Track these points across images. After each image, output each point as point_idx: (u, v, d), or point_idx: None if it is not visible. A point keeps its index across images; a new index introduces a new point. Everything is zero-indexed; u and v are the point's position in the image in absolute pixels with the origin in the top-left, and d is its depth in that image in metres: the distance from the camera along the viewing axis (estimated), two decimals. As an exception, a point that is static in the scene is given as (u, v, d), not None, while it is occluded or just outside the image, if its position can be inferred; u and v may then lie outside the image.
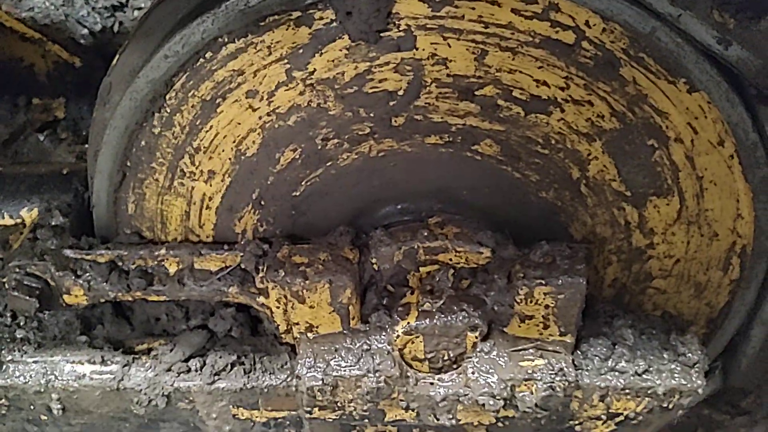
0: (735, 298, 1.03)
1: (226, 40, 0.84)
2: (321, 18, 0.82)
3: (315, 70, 0.86)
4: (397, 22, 0.83)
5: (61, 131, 1.39)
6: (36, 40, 1.44)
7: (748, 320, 1.05)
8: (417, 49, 0.84)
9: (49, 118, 1.42)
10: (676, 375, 0.94)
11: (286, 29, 0.83)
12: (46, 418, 1.03)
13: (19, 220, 1.08)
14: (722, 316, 1.05)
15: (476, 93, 0.87)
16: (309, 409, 0.95)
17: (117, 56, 0.99)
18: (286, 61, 0.85)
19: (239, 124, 0.91)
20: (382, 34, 0.83)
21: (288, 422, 1.02)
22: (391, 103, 0.89)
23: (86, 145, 1.28)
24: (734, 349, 1.09)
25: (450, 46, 0.84)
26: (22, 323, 1.03)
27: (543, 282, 0.89)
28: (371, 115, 0.90)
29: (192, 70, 0.86)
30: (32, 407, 1.01)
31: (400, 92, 0.88)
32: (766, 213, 0.94)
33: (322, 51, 0.84)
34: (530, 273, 0.89)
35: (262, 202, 0.98)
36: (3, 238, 1.07)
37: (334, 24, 0.82)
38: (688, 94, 0.85)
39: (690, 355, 0.95)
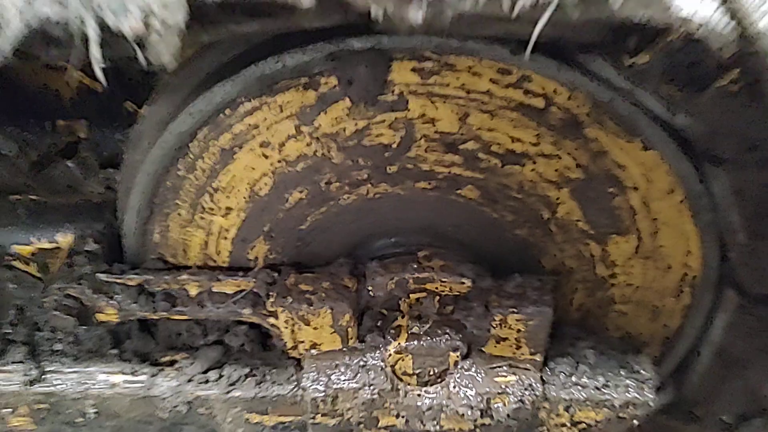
0: (687, 322, 1.17)
1: (243, 100, 0.98)
2: (326, 83, 0.95)
3: (320, 125, 0.99)
4: (391, 88, 0.96)
5: (82, 150, 1.51)
6: (61, 67, 1.57)
7: (698, 340, 1.19)
8: (409, 110, 0.98)
9: (73, 139, 1.55)
10: (630, 389, 1.08)
11: (296, 92, 0.97)
12: (81, 420, 1.17)
13: (55, 245, 1.21)
14: (676, 337, 1.19)
15: (459, 147, 1.00)
16: (312, 416, 1.09)
17: (146, 107, 1.12)
18: (295, 118, 0.99)
19: (253, 169, 1.05)
20: (378, 97, 0.97)
21: (294, 426, 1.16)
22: (386, 154, 1.02)
23: (109, 170, 1.42)
24: (687, 365, 1.23)
25: (437, 108, 0.97)
26: (60, 338, 1.16)
27: (515, 310, 1.02)
28: (369, 163, 1.03)
29: (213, 124, 1.00)
30: (69, 411, 1.15)
31: (394, 145, 1.01)
32: (711, 250, 1.08)
33: (327, 110, 0.98)
34: (504, 302, 1.03)
35: (272, 235, 1.12)
36: (41, 260, 1.21)
37: (338, 88, 0.96)
38: (643, 152, 0.99)
39: (643, 372, 1.09)
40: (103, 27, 0.51)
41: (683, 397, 1.23)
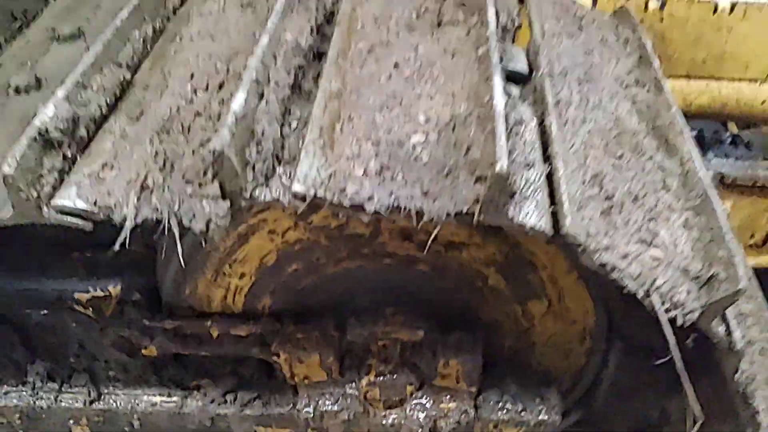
0: (589, 361, 1.54)
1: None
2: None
3: (313, 221, 1.34)
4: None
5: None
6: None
7: (598, 375, 1.56)
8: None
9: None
10: (542, 412, 1.45)
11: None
12: (128, 430, 1.54)
13: (107, 293, 1.56)
14: (583, 372, 1.56)
15: (413, 238, 1.36)
16: (304, 430, 1.46)
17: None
18: (294, 216, 1.34)
19: (262, 248, 1.40)
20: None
21: (291, 437, 1.53)
22: (361, 240, 1.37)
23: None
24: (591, 393, 1.60)
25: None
26: (113, 367, 1.52)
27: (454, 357, 1.39)
28: (348, 246, 1.38)
29: (232, 219, 1.35)
30: (119, 424, 1.52)
31: (367, 235, 1.36)
32: (600, 311, 1.44)
33: (318, 212, 1.33)
34: (447, 351, 1.39)
35: (276, 293, 1.47)
36: (96, 305, 1.56)
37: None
38: (546, 244, 1.34)
39: (551, 400, 1.46)
40: (180, 223, 0.86)
41: (590, 417, 1.61)
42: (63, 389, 1.52)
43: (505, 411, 1.44)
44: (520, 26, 1.30)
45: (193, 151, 0.92)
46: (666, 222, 1.01)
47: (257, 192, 0.89)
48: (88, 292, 1.51)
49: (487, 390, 1.46)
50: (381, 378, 1.41)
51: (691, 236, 1.01)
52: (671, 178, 1.08)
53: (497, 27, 1.14)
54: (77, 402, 1.50)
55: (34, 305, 1.54)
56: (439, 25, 1.16)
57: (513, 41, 1.29)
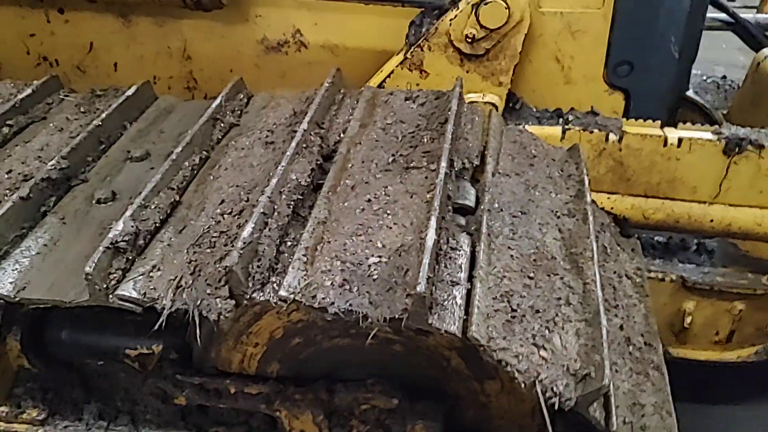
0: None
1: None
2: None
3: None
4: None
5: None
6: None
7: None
8: (361, 301, 1.70)
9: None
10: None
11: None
12: (158, 465, 1.90)
13: (150, 351, 1.95)
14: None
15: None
16: (299, 474, 1.80)
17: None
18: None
19: (272, 324, 1.77)
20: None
21: (289, 479, 1.86)
22: (349, 323, 1.73)
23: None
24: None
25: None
26: (150, 411, 1.90)
27: (420, 421, 1.71)
28: (339, 327, 1.74)
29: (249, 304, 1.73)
30: (154, 460, 1.89)
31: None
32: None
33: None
34: (414, 415, 1.71)
35: (282, 360, 1.84)
36: (142, 360, 1.95)
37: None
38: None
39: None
40: (200, 314, 1.25)
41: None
42: (110, 427, 1.89)
43: (467, 471, 1.75)
44: (479, 165, 1.68)
45: (215, 263, 1.32)
46: (561, 330, 1.34)
47: (255, 295, 1.28)
48: (136, 349, 1.90)
49: (454, 449, 1.77)
50: (360, 439, 1.75)
51: (579, 342, 1.34)
52: (574, 296, 1.42)
53: (451, 171, 1.52)
54: (119, 438, 1.88)
55: (94, 356, 1.94)
56: (406, 169, 1.54)
57: (472, 178, 1.66)
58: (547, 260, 1.48)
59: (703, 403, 2.71)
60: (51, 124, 1.89)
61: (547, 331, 1.32)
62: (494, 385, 1.76)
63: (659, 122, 2.17)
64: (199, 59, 2.42)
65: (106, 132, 1.79)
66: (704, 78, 3.31)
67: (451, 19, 2.05)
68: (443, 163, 1.49)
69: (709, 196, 2.14)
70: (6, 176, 1.65)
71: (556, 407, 1.24)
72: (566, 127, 2.14)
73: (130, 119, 1.90)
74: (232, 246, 1.30)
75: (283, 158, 1.51)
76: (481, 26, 2.00)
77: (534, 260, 1.46)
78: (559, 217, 1.63)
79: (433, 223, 1.32)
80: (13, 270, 1.40)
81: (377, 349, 1.76)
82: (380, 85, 2.14)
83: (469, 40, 2.02)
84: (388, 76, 2.15)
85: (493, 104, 2.05)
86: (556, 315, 1.37)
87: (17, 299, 1.36)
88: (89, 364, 1.89)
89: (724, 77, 3.36)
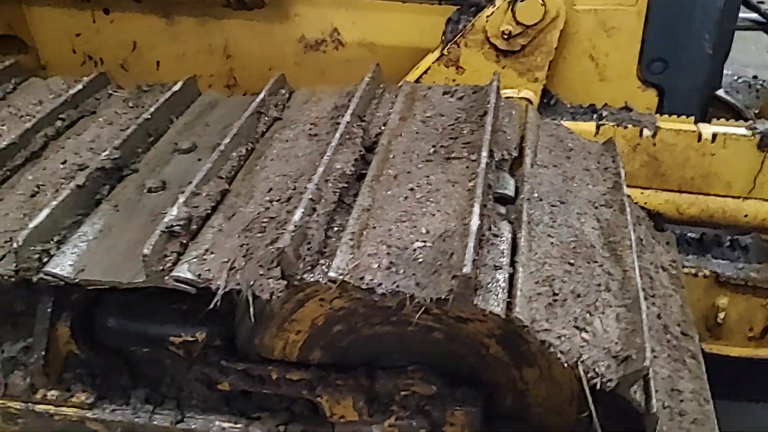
0: (579, 420, 1.86)
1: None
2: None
3: (353, 293, 1.76)
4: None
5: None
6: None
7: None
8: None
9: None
10: (538, 460, 1.77)
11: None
12: (204, 451, 1.95)
13: (195, 339, 2.01)
14: (575, 428, 1.88)
15: (430, 312, 1.75)
16: (340, 459, 1.84)
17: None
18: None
19: (314, 311, 1.81)
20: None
21: (329, 464, 1.90)
22: (390, 311, 1.77)
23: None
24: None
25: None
26: (195, 397, 1.96)
27: (459, 408, 1.75)
28: (380, 315, 1.78)
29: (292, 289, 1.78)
30: (198, 444, 1.94)
31: (394, 306, 1.76)
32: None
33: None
34: (454, 402, 1.75)
35: (323, 347, 1.88)
36: (187, 347, 2.01)
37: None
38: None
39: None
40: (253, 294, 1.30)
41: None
42: (156, 411, 1.96)
43: (508, 458, 1.78)
44: (517, 157, 1.72)
45: (266, 246, 1.37)
46: (602, 314, 1.38)
47: (305, 276, 1.33)
48: (180, 336, 1.95)
49: (492, 438, 1.80)
50: (400, 422, 1.78)
51: (620, 326, 1.37)
52: (613, 282, 1.45)
53: (492, 162, 1.56)
54: (165, 422, 1.93)
55: (140, 343, 2.00)
56: (447, 159, 1.59)
57: (511, 169, 1.70)
58: (586, 248, 1.51)
59: (737, 400, 2.71)
60: (100, 118, 1.97)
61: (588, 315, 1.35)
62: (533, 373, 1.79)
63: (693, 118, 2.19)
64: (240, 57, 2.49)
65: (154, 125, 1.86)
66: (735, 78, 3.30)
67: (487, 16, 2.09)
68: (484, 154, 1.53)
69: (744, 190, 2.15)
70: (61, 166, 1.72)
71: (598, 388, 1.27)
72: (600, 122, 2.16)
73: (177, 113, 1.97)
74: (283, 230, 1.35)
75: (328, 149, 1.56)
76: (518, 23, 2.04)
77: (573, 248, 1.49)
78: (596, 208, 1.66)
79: (476, 209, 1.36)
80: (71, 253, 1.46)
81: (417, 336, 1.80)
82: (417, 81, 2.18)
83: (506, 37, 2.06)
84: (425, 72, 2.19)
85: (528, 100, 2.08)
86: (597, 300, 1.40)
87: (76, 280, 1.42)
88: (136, 351, 1.96)
89: (755, 77, 3.36)
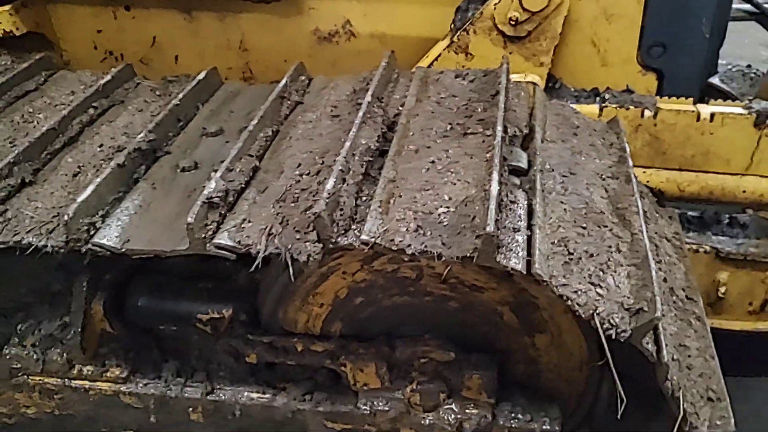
0: (587, 386, 1.96)
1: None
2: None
3: (374, 265, 1.85)
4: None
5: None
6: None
7: (595, 397, 1.98)
8: (422, 264, 1.83)
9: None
10: (546, 424, 1.87)
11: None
12: (231, 417, 2.05)
13: (221, 315, 2.10)
14: (583, 395, 1.97)
15: (447, 281, 1.85)
16: (362, 425, 1.93)
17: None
18: (362, 262, 1.85)
19: (337, 284, 1.91)
20: (405, 253, 1.84)
21: (351, 431, 2.00)
22: (407, 282, 1.88)
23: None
24: (591, 414, 2.01)
25: (434, 267, 1.82)
26: (224, 369, 2.06)
27: (476, 372, 1.85)
28: (398, 286, 1.89)
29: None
30: (225, 411, 2.03)
31: (413, 277, 1.86)
32: (591, 347, 1.87)
33: (379, 259, 1.84)
34: (470, 367, 1.85)
35: (345, 319, 1.98)
36: (213, 325, 2.10)
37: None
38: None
39: (554, 413, 1.88)
40: (291, 257, 1.41)
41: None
42: (187, 383, 2.05)
43: (516, 420, 1.87)
44: (527, 134, 1.83)
45: (300, 214, 1.47)
46: (614, 273, 1.48)
47: (339, 239, 1.44)
48: (207, 313, 2.05)
49: (503, 402, 1.87)
50: (420, 387, 1.88)
51: (630, 283, 1.47)
52: (623, 244, 1.56)
53: (505, 136, 1.66)
54: (196, 394, 2.03)
55: (168, 321, 2.09)
56: (464, 135, 1.69)
57: (521, 145, 1.81)
58: (596, 214, 1.62)
59: (736, 375, 2.80)
60: (130, 107, 2.07)
61: (601, 273, 1.46)
62: (544, 339, 1.90)
63: (692, 99, 2.30)
64: (256, 51, 2.59)
65: (183, 111, 1.97)
66: (730, 66, 3.42)
67: (495, 4, 2.20)
68: (499, 128, 1.64)
69: (742, 167, 2.26)
70: (99, 149, 1.82)
71: (613, 338, 1.38)
72: (603, 104, 2.27)
73: (202, 101, 2.08)
74: (317, 198, 1.45)
75: (352, 126, 1.67)
76: (524, 9, 2.15)
77: (584, 213, 1.60)
78: (603, 179, 1.77)
79: (495, 176, 1.47)
80: (116, 226, 1.56)
81: (433, 306, 1.91)
82: (429, 67, 2.29)
83: (513, 23, 2.17)
84: (436, 58, 2.30)
85: (534, 83, 2.19)
86: (608, 259, 1.50)
87: (123, 250, 1.52)
88: (164, 329, 2.06)
89: (749, 65, 3.48)
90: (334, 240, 1.43)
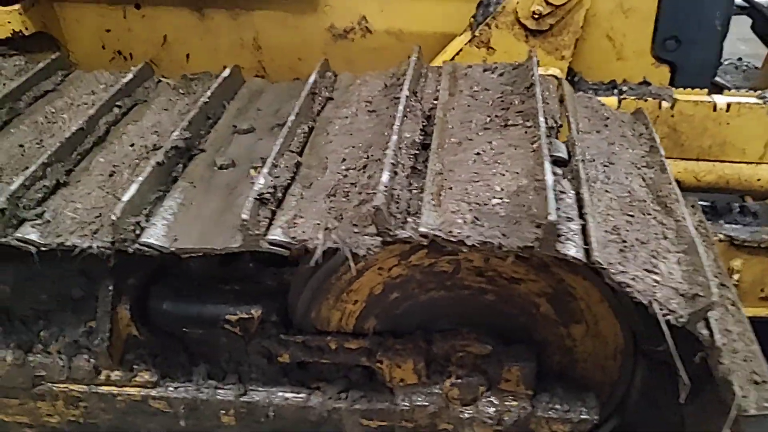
0: (621, 375, 1.98)
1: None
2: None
3: (411, 260, 1.85)
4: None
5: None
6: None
7: (629, 386, 2.00)
8: (458, 254, 1.83)
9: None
10: (583, 412, 1.89)
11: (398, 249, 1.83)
12: (264, 419, 2.02)
13: (250, 316, 2.07)
14: (617, 384, 1.99)
15: (485, 274, 1.85)
16: (399, 422, 1.92)
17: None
18: (399, 257, 1.84)
19: (372, 281, 1.90)
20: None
21: (388, 428, 1.99)
22: (445, 275, 1.87)
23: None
24: (624, 402, 2.03)
25: (472, 259, 1.82)
26: (255, 370, 2.03)
27: (515, 363, 1.86)
28: (435, 280, 1.88)
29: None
30: (258, 413, 2.01)
31: (450, 271, 1.86)
32: (627, 333, 1.89)
33: (416, 253, 1.84)
34: (509, 359, 1.86)
35: (380, 315, 1.97)
36: (243, 326, 2.07)
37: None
38: (583, 281, 1.82)
39: (591, 402, 1.90)
40: (350, 250, 1.39)
41: (624, 423, 2.03)
42: (218, 386, 2.02)
43: (554, 410, 1.88)
44: (561, 125, 1.84)
45: (354, 207, 1.46)
46: (664, 260, 1.50)
47: (397, 232, 1.43)
48: (235, 314, 2.02)
49: (540, 393, 1.89)
50: (459, 381, 1.88)
51: (681, 269, 1.49)
52: (669, 231, 1.58)
53: (546, 127, 1.67)
54: (229, 396, 2.00)
55: (195, 325, 2.05)
56: (505, 126, 1.70)
57: (557, 136, 1.82)
58: (639, 202, 1.64)
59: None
60: (153, 105, 2.03)
61: (653, 259, 1.47)
62: (580, 329, 1.91)
63: (706, 90, 2.34)
64: (270, 49, 2.57)
65: (211, 109, 1.94)
66: (722, 61, 3.49)
67: (518, -2, 2.23)
68: (542, 119, 1.65)
69: (757, 156, 2.31)
70: (131, 149, 1.79)
71: (672, 322, 1.39)
72: (622, 97, 2.30)
73: (228, 99, 2.05)
74: (372, 191, 1.44)
75: (394, 120, 1.66)
76: (547, 3, 2.17)
77: (629, 201, 1.62)
78: (639, 168, 1.79)
79: (548, 166, 1.48)
80: (162, 225, 1.53)
81: (469, 299, 1.91)
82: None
83: (536, 17, 2.19)
84: (457, 53, 2.31)
85: (556, 77, 2.21)
86: (658, 246, 1.52)
87: (172, 249, 1.49)
88: (190, 333, 2.02)
89: (740, 59, 3.56)
90: (393, 233, 1.42)
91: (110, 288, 1.93)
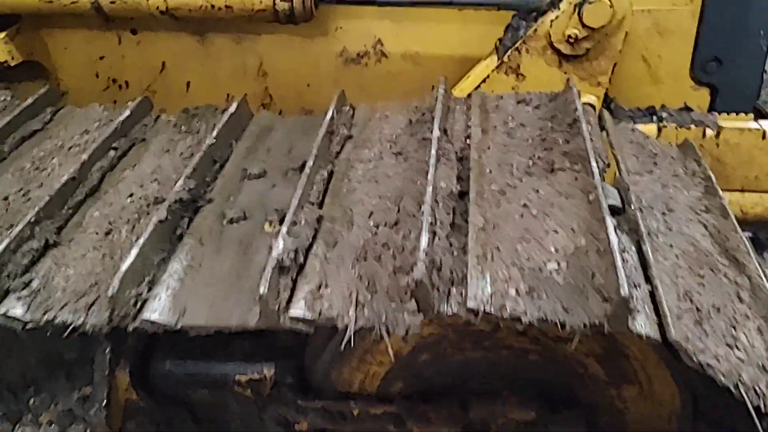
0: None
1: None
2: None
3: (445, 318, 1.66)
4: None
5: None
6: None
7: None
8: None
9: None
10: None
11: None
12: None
13: (262, 376, 1.88)
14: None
15: (527, 334, 1.66)
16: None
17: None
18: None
19: (400, 341, 1.71)
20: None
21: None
22: (482, 335, 1.68)
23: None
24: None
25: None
26: (275, 436, 1.83)
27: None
28: (471, 339, 1.69)
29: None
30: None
31: (488, 330, 1.67)
32: (686, 395, 1.71)
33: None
34: (556, 426, 1.67)
35: (407, 378, 1.78)
36: (255, 387, 1.88)
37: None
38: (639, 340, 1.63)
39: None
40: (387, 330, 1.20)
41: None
42: (229, 456, 1.83)
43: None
44: (608, 165, 1.65)
45: (389, 276, 1.26)
46: (744, 328, 1.31)
47: (442, 307, 1.23)
48: (246, 374, 1.83)
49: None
50: (501, 449, 1.69)
51: (765, 339, 1.30)
52: (743, 291, 1.38)
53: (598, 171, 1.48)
54: (240, 465, 1.80)
55: (201, 385, 1.86)
56: (551, 171, 1.51)
57: (603, 178, 1.63)
58: (705, 256, 1.45)
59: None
60: (152, 147, 1.83)
61: (733, 330, 1.28)
62: (632, 390, 1.72)
63: (752, 115, 2.16)
64: (276, 75, 2.37)
65: (218, 151, 1.74)
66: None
67: (551, 20, 2.03)
68: (593, 164, 1.46)
69: (807, 187, 2.13)
70: (128, 201, 1.59)
71: (762, 408, 1.20)
72: (661, 124, 2.12)
73: (235, 137, 1.85)
74: (411, 258, 1.25)
75: (426, 166, 1.47)
76: (584, 26, 1.98)
77: (696, 257, 1.43)
78: (698, 213, 1.60)
79: (609, 224, 1.28)
80: (167, 296, 1.33)
81: (510, 359, 1.71)
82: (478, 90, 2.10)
83: (571, 41, 2.00)
84: (483, 80, 2.12)
85: (591, 105, 2.02)
86: (734, 312, 1.33)
87: (179, 327, 1.29)
88: (197, 396, 1.83)
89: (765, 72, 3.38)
90: (436, 309, 1.23)
91: (107, 349, 1.74)
